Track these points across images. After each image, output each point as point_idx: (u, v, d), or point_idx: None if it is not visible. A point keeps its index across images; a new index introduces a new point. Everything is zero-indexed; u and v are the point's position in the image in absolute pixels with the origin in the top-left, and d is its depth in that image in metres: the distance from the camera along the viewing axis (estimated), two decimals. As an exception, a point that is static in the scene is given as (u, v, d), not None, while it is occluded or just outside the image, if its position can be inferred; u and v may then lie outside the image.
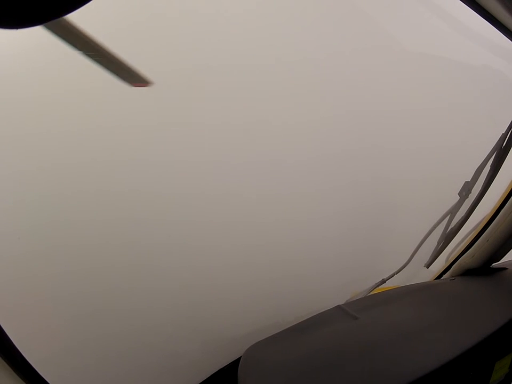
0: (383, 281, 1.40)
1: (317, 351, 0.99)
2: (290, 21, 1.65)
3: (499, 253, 1.20)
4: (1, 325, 0.57)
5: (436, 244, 1.33)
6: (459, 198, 1.24)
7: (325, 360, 0.95)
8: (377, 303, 1.16)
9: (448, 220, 1.27)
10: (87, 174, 1.42)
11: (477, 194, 1.21)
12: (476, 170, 1.19)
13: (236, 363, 1.16)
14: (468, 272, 1.28)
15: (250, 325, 1.57)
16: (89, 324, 1.41)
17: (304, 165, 1.74)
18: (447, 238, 1.29)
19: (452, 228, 1.27)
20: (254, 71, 1.61)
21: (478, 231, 1.28)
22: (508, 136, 1.11)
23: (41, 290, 1.37)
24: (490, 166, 1.16)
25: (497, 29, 0.92)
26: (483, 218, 1.27)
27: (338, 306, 1.18)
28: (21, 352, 0.60)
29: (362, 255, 1.85)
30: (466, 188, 1.21)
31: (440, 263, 1.44)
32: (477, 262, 1.23)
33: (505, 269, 1.23)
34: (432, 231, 1.34)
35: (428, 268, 1.37)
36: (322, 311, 1.18)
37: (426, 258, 1.35)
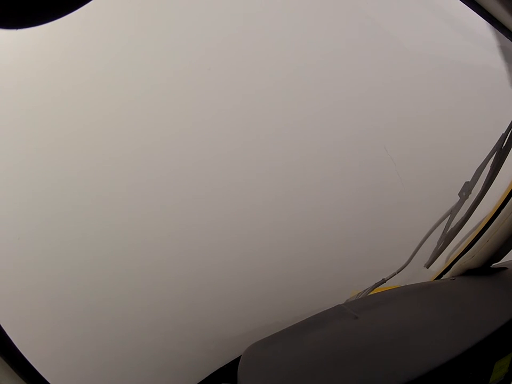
0: (383, 281, 1.40)
1: (317, 351, 0.99)
2: (289, 21, 1.65)
3: (499, 253, 1.20)
4: (1, 325, 0.57)
5: (436, 244, 1.33)
6: (459, 198, 1.23)
7: (325, 359, 0.95)
8: (377, 302, 1.16)
9: (448, 220, 1.27)
10: (87, 174, 1.42)
11: (477, 194, 1.21)
12: (476, 171, 1.18)
13: (235, 362, 1.16)
14: (468, 272, 1.28)
15: (250, 325, 1.58)
16: (89, 324, 1.42)
17: (305, 167, 1.74)
18: (447, 238, 1.29)
19: (452, 228, 1.27)
20: (256, 72, 1.61)
21: (478, 231, 1.28)
22: (508, 136, 1.11)
23: (41, 290, 1.37)
24: (491, 166, 1.16)
25: (497, 29, 0.92)
26: (483, 219, 1.27)
27: (339, 306, 1.18)
28: (21, 352, 0.60)
29: (363, 254, 1.85)
30: (467, 188, 1.21)
31: (440, 263, 1.44)
32: (477, 262, 1.23)
33: (506, 269, 1.23)
34: (432, 231, 1.34)
35: (428, 268, 1.37)
36: (322, 310, 1.18)
37: (427, 258, 1.35)
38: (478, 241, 1.25)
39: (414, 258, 1.36)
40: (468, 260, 1.26)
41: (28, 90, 1.28)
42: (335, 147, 1.77)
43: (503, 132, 1.11)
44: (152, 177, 1.50)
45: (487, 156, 1.15)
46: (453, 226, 1.27)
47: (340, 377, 0.88)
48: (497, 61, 1.90)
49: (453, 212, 1.25)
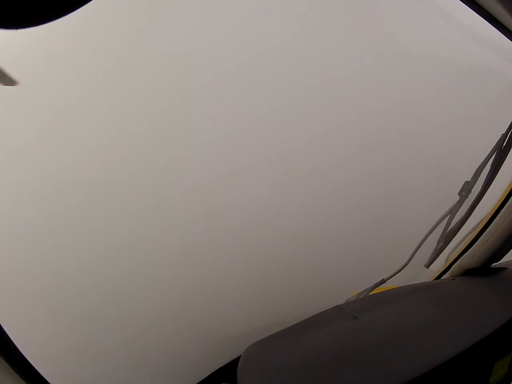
0: (383, 281, 1.40)
1: (317, 351, 0.99)
2: (290, 21, 1.65)
3: (499, 253, 1.20)
4: (1, 325, 0.57)
5: (436, 243, 1.33)
6: (459, 198, 1.23)
7: (325, 359, 0.95)
8: (377, 303, 1.16)
9: (448, 220, 1.27)
10: (87, 174, 1.42)
11: (477, 194, 1.21)
12: (475, 170, 1.18)
13: (235, 362, 1.16)
14: (467, 272, 1.28)
15: (250, 324, 1.58)
16: (89, 324, 1.42)
17: (305, 167, 1.74)
18: (447, 238, 1.29)
19: (451, 228, 1.27)
20: (256, 72, 1.61)
21: (478, 231, 1.28)
22: (508, 136, 1.11)
23: (41, 290, 1.37)
24: (490, 166, 1.16)
25: (497, 29, 0.92)
26: (483, 218, 1.27)
27: (338, 306, 1.18)
28: (21, 352, 0.60)
29: (362, 255, 1.85)
30: (466, 188, 1.21)
31: (440, 263, 1.44)
32: (477, 262, 1.23)
33: (505, 268, 1.23)
34: (432, 231, 1.34)
35: (427, 267, 1.37)
36: (322, 310, 1.18)
37: (426, 258, 1.35)
38: (477, 241, 1.25)
39: (413, 258, 1.36)
40: (467, 260, 1.26)
41: (27, 90, 1.28)
42: (336, 146, 1.77)
43: (503, 132, 1.11)
44: (152, 177, 1.50)
45: (487, 156, 1.15)
46: (452, 226, 1.27)
47: (340, 377, 0.88)
48: (497, 61, 1.90)
49: (452, 212, 1.25)
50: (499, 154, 1.13)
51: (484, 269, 1.24)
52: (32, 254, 1.35)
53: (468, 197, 1.22)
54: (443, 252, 1.35)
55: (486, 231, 1.22)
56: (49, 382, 0.65)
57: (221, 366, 1.34)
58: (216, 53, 1.52)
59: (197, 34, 1.48)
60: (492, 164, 1.15)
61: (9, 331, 0.58)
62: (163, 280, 1.55)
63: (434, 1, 1.81)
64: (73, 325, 1.40)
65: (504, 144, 1.12)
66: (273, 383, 0.92)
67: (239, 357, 1.07)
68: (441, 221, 1.30)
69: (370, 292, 1.40)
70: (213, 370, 1.34)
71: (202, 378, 1.32)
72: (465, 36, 1.81)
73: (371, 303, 1.17)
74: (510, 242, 1.16)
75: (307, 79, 1.69)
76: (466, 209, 1.25)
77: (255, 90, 1.60)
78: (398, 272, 1.38)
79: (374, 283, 1.41)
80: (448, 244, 1.32)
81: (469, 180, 1.20)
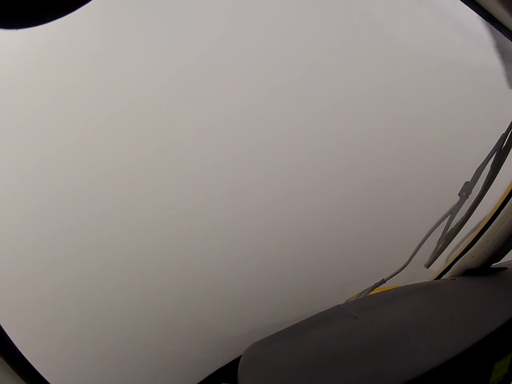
0: (383, 281, 1.40)
1: (317, 351, 0.99)
2: (291, 21, 1.65)
3: (499, 253, 1.20)
4: (1, 325, 0.57)
5: (436, 244, 1.33)
6: (459, 198, 1.23)
7: (325, 359, 0.95)
8: (377, 302, 1.16)
9: (448, 220, 1.27)
10: (87, 174, 1.42)
11: (477, 194, 1.21)
12: (476, 171, 1.18)
13: (235, 362, 1.16)
14: (468, 272, 1.28)
15: (250, 325, 1.58)
16: (89, 324, 1.42)
17: (307, 167, 1.74)
18: (447, 238, 1.29)
19: (452, 228, 1.27)
20: (255, 72, 1.61)
21: (478, 231, 1.28)
22: (508, 137, 1.10)
23: (41, 290, 1.37)
24: (491, 166, 1.16)
25: (497, 29, 0.92)
26: (483, 219, 1.27)
27: (338, 306, 1.18)
28: (21, 352, 0.60)
29: (363, 255, 1.85)
30: (467, 188, 1.21)
31: (440, 263, 1.44)
32: (477, 262, 1.23)
33: (505, 268, 1.23)
34: (432, 231, 1.34)
35: (428, 268, 1.37)
36: (322, 310, 1.18)
37: (427, 258, 1.36)
38: (478, 241, 1.25)
39: (414, 258, 1.36)
40: (467, 260, 1.26)
41: (30, 92, 1.28)
42: (336, 148, 1.77)
43: (503, 132, 1.11)
44: (151, 179, 1.50)
45: (487, 156, 1.15)
46: (453, 226, 1.27)
47: (340, 377, 0.88)
48: (497, 61, 1.90)
49: (453, 212, 1.25)
50: (499, 154, 1.13)
51: (484, 269, 1.24)
52: (32, 255, 1.35)
53: (468, 197, 1.22)
54: (443, 252, 1.35)
55: (486, 231, 1.22)
56: (49, 382, 0.65)
57: (222, 366, 1.34)
58: (217, 52, 1.52)
59: (196, 34, 1.48)
60: (492, 164, 1.15)
61: (9, 331, 0.58)
62: (164, 281, 1.55)
63: (434, 1, 1.81)
64: (74, 325, 1.41)
65: (504, 145, 1.12)
66: (273, 383, 0.92)
67: (239, 357, 1.07)
68: (442, 221, 1.30)
69: (370, 292, 1.40)
70: (214, 370, 1.34)
71: (202, 378, 1.32)
72: (466, 36, 1.81)
73: (371, 303, 1.17)
74: (510, 242, 1.16)
75: (306, 84, 1.69)
76: (466, 210, 1.25)
77: (255, 92, 1.60)
78: (398, 272, 1.38)
79: (374, 283, 1.41)
80: (448, 244, 1.32)
81: (469, 181, 1.20)
